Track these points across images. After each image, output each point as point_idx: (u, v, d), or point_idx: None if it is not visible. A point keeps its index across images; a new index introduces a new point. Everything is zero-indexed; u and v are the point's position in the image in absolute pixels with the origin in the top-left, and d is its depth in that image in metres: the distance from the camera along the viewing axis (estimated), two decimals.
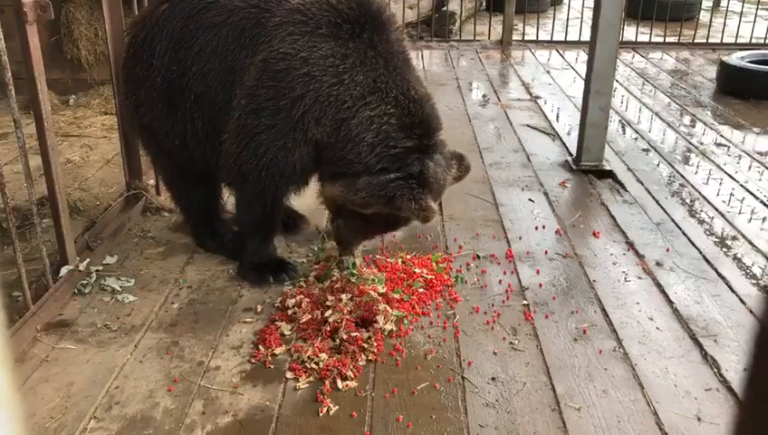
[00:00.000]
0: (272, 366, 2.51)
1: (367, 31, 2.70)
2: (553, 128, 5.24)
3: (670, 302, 2.94)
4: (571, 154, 4.60)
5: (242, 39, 2.80)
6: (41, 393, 2.37)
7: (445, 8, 8.45)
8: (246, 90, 2.76)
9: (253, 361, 2.54)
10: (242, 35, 2.80)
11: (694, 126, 5.38)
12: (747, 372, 0.64)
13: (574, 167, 4.39)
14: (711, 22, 8.10)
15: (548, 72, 6.98)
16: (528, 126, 5.28)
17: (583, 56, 7.17)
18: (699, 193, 4.09)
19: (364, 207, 2.68)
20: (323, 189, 2.90)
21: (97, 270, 3.09)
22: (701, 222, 3.72)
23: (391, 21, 2.83)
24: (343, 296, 2.82)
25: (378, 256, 3.19)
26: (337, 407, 2.30)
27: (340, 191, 2.75)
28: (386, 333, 2.68)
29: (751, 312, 2.87)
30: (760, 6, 8.46)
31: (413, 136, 2.65)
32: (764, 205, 3.93)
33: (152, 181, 3.86)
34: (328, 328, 2.66)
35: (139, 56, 3.01)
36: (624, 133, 5.19)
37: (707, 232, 3.60)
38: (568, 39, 8.09)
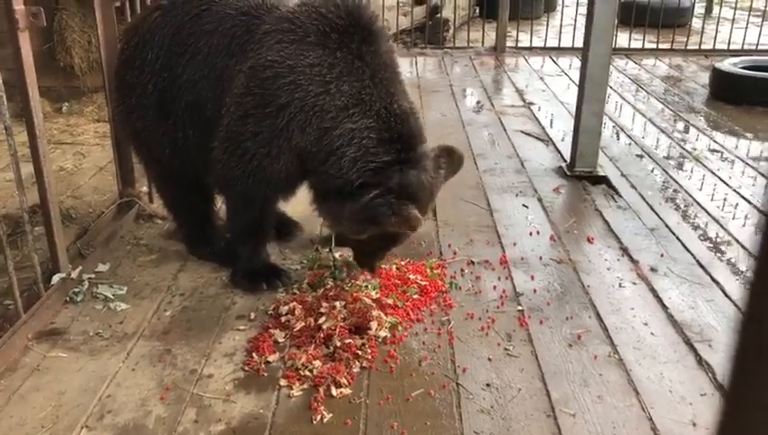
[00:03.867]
0: (265, 374, 2.50)
1: (355, 41, 2.69)
2: (547, 134, 5.24)
3: (665, 307, 2.93)
4: (564, 160, 4.60)
5: (231, 46, 2.80)
6: (32, 402, 2.34)
7: (438, 15, 8.46)
8: (234, 97, 2.75)
9: (246, 368, 2.53)
10: (232, 42, 2.80)
11: (687, 132, 5.39)
12: (731, 364, 0.63)
13: (568, 173, 4.39)
14: (703, 28, 8.14)
15: (541, 78, 7.00)
16: (522, 132, 5.28)
17: (577, 63, 7.18)
18: (693, 198, 4.09)
19: (358, 235, 2.70)
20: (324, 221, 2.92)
21: (89, 278, 3.07)
22: (695, 227, 3.72)
23: (381, 32, 2.81)
24: (337, 303, 2.81)
25: None
26: (331, 414, 2.29)
27: (332, 225, 2.82)
28: (380, 340, 2.67)
29: None
30: (751, 13, 8.50)
31: (392, 151, 2.64)
32: (758, 210, 3.94)
33: (145, 189, 3.84)
34: (321, 335, 2.64)
35: (131, 63, 3.00)
36: (618, 139, 5.20)
37: (701, 237, 3.60)
38: (561, 45, 8.12)
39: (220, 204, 3.39)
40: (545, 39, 8.23)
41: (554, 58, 7.82)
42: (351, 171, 2.62)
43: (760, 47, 7.91)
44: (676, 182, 4.34)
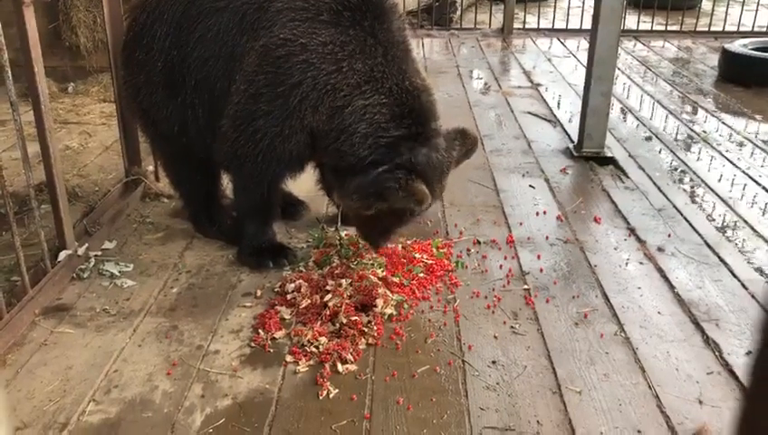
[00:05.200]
0: (271, 350, 2.50)
1: (368, 19, 2.68)
2: (554, 115, 5.21)
3: (672, 286, 2.92)
4: (572, 141, 4.57)
5: (243, 24, 2.78)
6: (39, 376, 2.36)
7: None
8: (246, 75, 2.74)
9: (252, 344, 2.53)
10: (243, 20, 2.78)
11: (696, 113, 5.35)
12: (752, 357, 0.61)
13: (575, 153, 4.36)
14: (713, 10, 8.05)
15: (549, 59, 6.95)
16: (529, 113, 5.26)
17: (585, 44, 7.13)
18: (701, 179, 4.06)
19: (365, 210, 2.69)
20: (336, 196, 2.91)
21: (96, 255, 3.08)
22: (702, 208, 3.70)
23: (393, 9, 2.80)
24: (343, 281, 2.81)
25: None
26: (337, 390, 2.29)
27: (339, 199, 2.82)
28: (386, 318, 2.67)
29: (753, 296, 2.86)
30: None
31: (403, 126, 2.64)
32: (766, 191, 3.91)
33: (151, 167, 3.84)
34: (327, 312, 2.65)
35: (139, 40, 2.98)
36: (625, 121, 5.17)
37: (709, 218, 3.58)
38: (569, 27, 8.05)
39: (227, 182, 3.39)
40: (553, 21, 8.17)
41: (562, 40, 7.76)
42: (363, 148, 2.62)
43: None
44: (684, 163, 4.31)
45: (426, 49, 7.36)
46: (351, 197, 2.68)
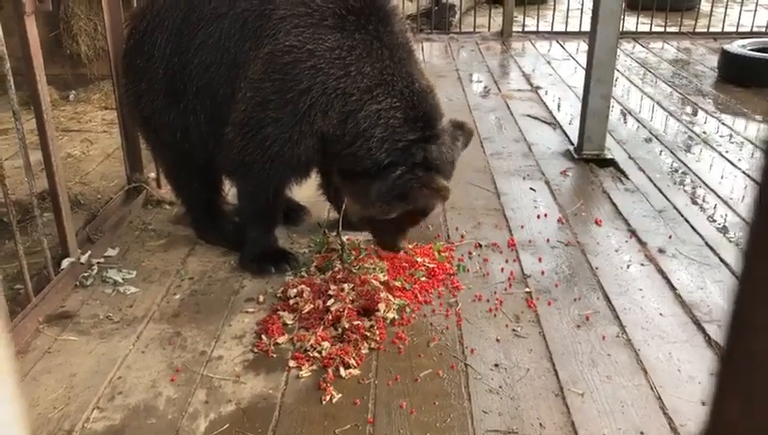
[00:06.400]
0: (274, 355, 2.51)
1: (372, 22, 2.70)
2: (554, 117, 5.22)
3: (673, 288, 2.93)
4: (572, 143, 4.58)
5: (245, 31, 2.79)
6: (44, 384, 2.37)
7: (444, 0, 8.42)
8: (252, 82, 2.75)
9: (255, 350, 2.54)
10: (245, 27, 2.79)
11: (695, 115, 5.36)
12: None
13: (576, 156, 4.37)
14: (712, 11, 8.06)
15: (548, 62, 6.96)
16: (529, 116, 5.26)
17: (584, 47, 7.14)
18: (701, 181, 4.07)
19: (387, 215, 2.75)
20: (348, 205, 2.97)
21: (98, 262, 3.09)
22: (703, 209, 3.70)
23: (395, 12, 2.83)
24: (345, 286, 2.81)
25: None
26: (340, 395, 2.30)
27: (358, 209, 2.87)
28: (388, 322, 2.68)
29: None
30: None
31: (416, 128, 2.69)
32: None
33: (153, 174, 3.85)
34: (330, 317, 2.65)
35: (140, 47, 2.99)
36: (626, 122, 5.18)
37: (710, 219, 3.58)
38: (568, 30, 8.06)
39: (228, 188, 3.40)
40: (552, 23, 8.18)
41: (561, 42, 7.77)
42: (380, 152, 2.66)
43: None
44: (685, 165, 4.32)
45: (425, 53, 7.37)
46: (374, 204, 2.73)
